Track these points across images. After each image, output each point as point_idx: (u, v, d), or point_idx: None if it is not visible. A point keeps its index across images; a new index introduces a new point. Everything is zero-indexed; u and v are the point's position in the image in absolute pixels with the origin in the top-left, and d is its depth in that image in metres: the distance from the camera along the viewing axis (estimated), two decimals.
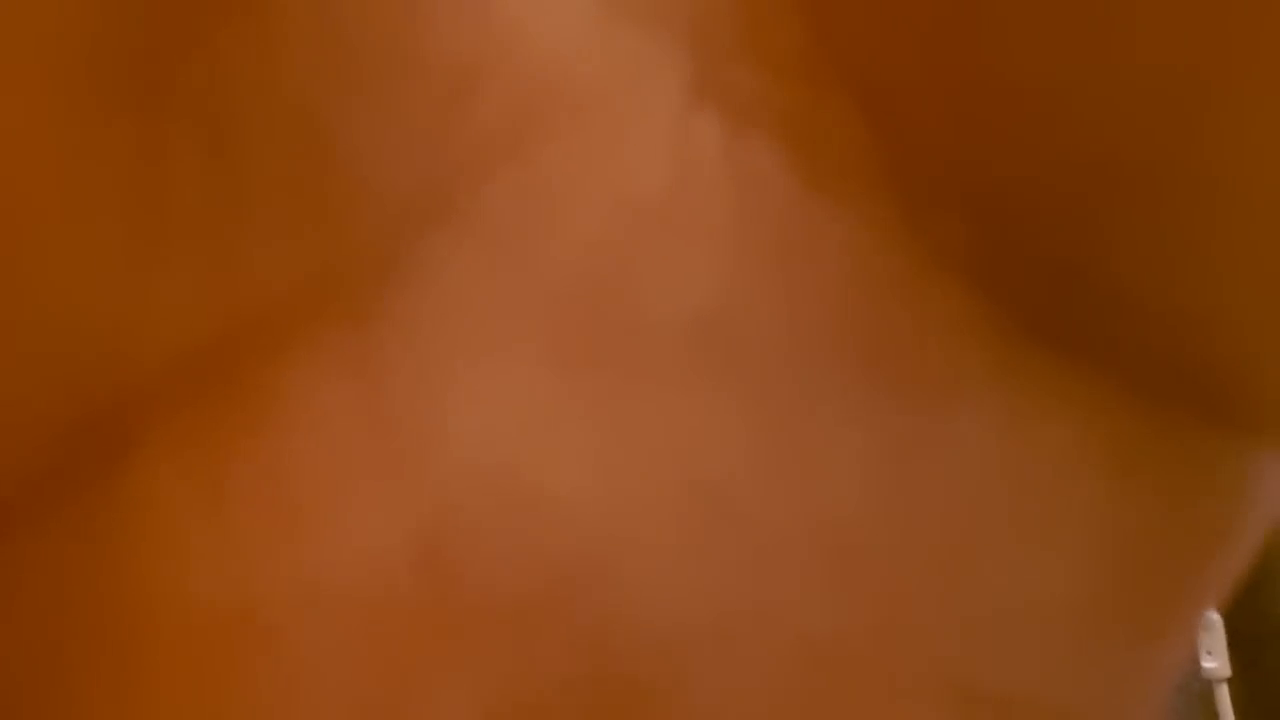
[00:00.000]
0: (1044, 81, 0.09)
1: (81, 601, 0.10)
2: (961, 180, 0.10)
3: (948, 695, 0.10)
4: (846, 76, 0.10)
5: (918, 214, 0.10)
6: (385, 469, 0.10)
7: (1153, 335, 0.10)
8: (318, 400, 0.10)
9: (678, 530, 0.10)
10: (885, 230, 0.10)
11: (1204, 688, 0.71)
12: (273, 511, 0.10)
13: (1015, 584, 0.10)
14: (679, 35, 0.10)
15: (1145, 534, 0.10)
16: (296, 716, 0.10)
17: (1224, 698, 0.71)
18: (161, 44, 0.09)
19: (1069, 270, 0.10)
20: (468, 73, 0.10)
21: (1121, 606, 0.11)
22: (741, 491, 0.10)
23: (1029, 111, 0.09)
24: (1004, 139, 0.10)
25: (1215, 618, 0.71)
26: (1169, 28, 0.09)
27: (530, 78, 0.10)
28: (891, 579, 0.10)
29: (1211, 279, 0.10)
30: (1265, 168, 0.09)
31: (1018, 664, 0.10)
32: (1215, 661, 0.72)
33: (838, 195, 0.10)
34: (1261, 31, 0.09)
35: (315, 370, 0.10)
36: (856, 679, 0.10)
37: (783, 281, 0.10)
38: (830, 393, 0.10)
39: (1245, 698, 0.74)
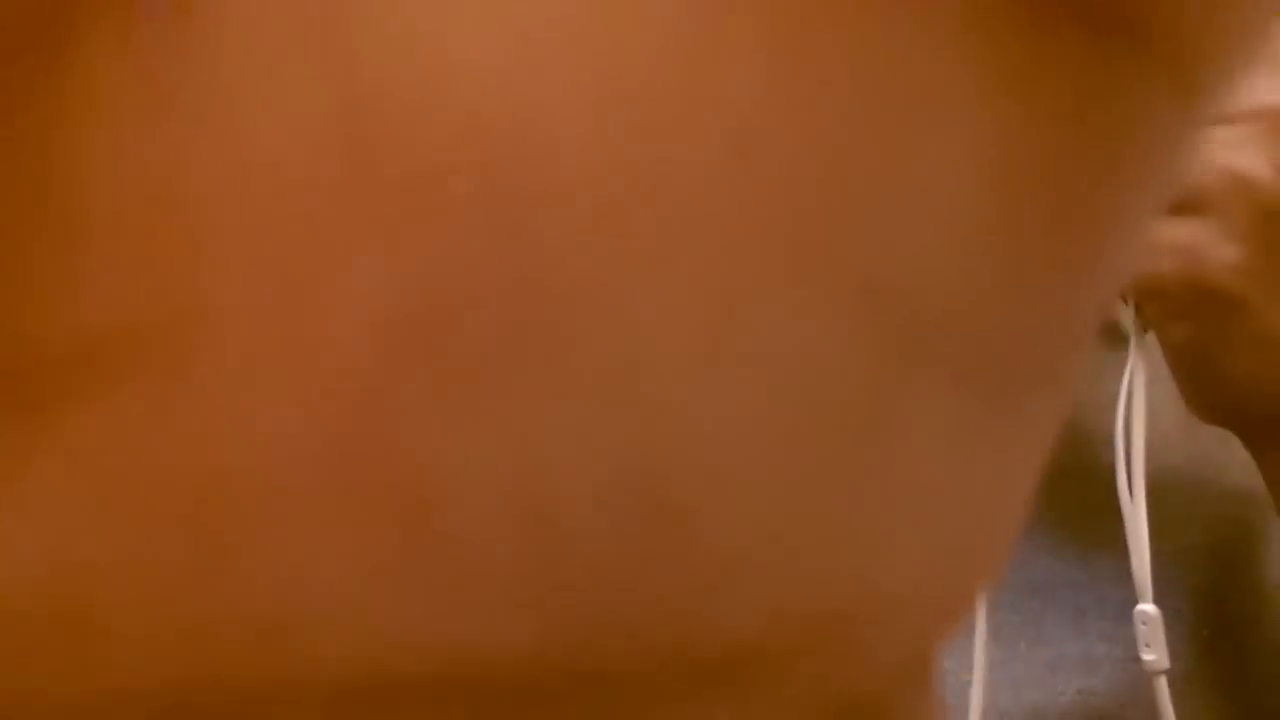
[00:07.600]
0: None
1: (14, 180, 0.10)
2: None
3: (846, 285, 0.10)
4: None
5: None
6: (311, 43, 0.09)
7: None
8: None
9: (601, 104, 0.10)
10: None
11: (1146, 680, 0.72)
12: (200, 88, 0.09)
13: (915, 186, 0.10)
14: None
15: (1045, 150, 0.10)
16: (219, 281, 0.09)
17: (1163, 690, 0.71)
18: None
19: None
20: None
21: (1026, 222, 0.11)
22: (661, 69, 0.10)
23: None
24: None
25: (1153, 611, 0.71)
26: None
27: None
28: (792, 164, 0.10)
29: None
30: None
31: (921, 265, 0.10)
32: (1153, 654, 0.72)
33: None
34: None
35: None
36: (759, 262, 0.10)
37: None
38: None
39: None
